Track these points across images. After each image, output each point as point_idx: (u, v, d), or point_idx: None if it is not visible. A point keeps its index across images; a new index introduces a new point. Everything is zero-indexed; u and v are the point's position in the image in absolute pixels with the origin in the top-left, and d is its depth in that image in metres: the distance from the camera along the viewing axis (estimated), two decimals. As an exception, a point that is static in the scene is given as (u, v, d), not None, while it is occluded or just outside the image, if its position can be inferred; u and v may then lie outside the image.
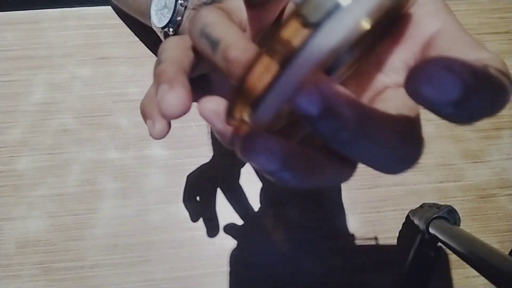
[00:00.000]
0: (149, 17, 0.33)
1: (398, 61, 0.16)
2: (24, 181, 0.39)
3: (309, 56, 0.10)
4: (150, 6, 0.32)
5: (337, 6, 0.10)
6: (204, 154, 0.40)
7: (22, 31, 0.42)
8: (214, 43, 0.14)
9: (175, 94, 0.14)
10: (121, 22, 0.43)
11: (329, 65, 0.12)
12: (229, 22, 0.15)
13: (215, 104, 0.13)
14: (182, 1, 0.29)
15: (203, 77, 0.20)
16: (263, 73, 0.11)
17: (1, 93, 0.41)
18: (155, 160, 0.40)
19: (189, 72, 0.16)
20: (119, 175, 0.40)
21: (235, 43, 0.14)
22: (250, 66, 0.11)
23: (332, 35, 0.10)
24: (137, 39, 0.43)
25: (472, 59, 0.12)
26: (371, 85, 0.17)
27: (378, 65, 0.17)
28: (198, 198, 0.40)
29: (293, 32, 0.10)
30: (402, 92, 0.15)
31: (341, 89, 0.11)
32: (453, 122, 0.10)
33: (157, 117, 0.16)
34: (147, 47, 0.43)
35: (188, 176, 0.40)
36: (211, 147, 0.41)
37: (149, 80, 0.42)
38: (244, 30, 0.19)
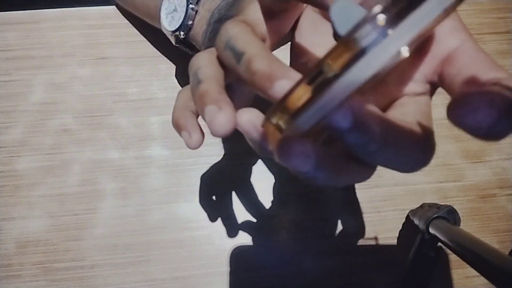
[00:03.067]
0: (159, 20, 0.33)
1: (418, 74, 0.17)
2: (24, 181, 0.39)
3: (351, 80, 0.11)
4: (159, 9, 0.33)
5: (382, 35, 0.10)
6: (205, 154, 0.41)
7: (22, 31, 0.42)
8: (238, 55, 0.15)
9: (225, 115, 0.15)
10: (121, 22, 0.43)
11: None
12: (252, 35, 0.16)
13: (252, 115, 0.15)
14: (193, 5, 0.29)
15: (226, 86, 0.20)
16: (307, 89, 0.12)
17: (1, 93, 0.41)
18: (155, 160, 0.40)
19: (225, 88, 0.17)
20: (119, 175, 0.40)
21: (258, 55, 0.15)
22: (298, 81, 0.12)
23: (375, 62, 0.11)
24: (137, 39, 0.43)
25: (491, 78, 0.14)
26: (389, 94, 0.18)
27: (399, 77, 0.18)
28: (214, 197, 0.40)
29: (339, 56, 0.11)
30: (418, 100, 0.17)
31: (371, 107, 0.13)
32: (482, 140, 0.11)
33: (193, 129, 0.17)
34: (154, 46, 0.43)
35: (202, 176, 0.40)
36: (215, 146, 0.41)
37: (149, 80, 0.42)
38: (264, 40, 0.19)
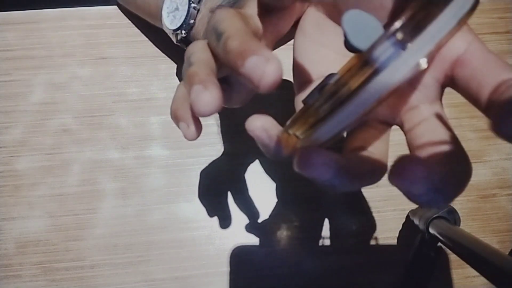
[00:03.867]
0: (160, 19, 0.33)
1: (429, 78, 0.18)
2: (24, 181, 0.39)
3: (372, 93, 0.11)
4: (161, 8, 0.33)
5: (401, 49, 0.11)
6: (205, 154, 0.41)
7: (22, 31, 0.42)
8: (219, 36, 0.15)
9: (209, 94, 0.15)
10: (121, 22, 0.43)
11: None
12: (236, 19, 0.16)
13: (264, 122, 0.15)
14: (195, 4, 0.29)
15: (224, 80, 0.21)
16: (327, 101, 0.12)
17: (1, 93, 0.41)
18: (155, 160, 0.40)
19: (216, 73, 0.17)
20: (119, 175, 0.40)
21: (234, 35, 0.15)
22: (321, 93, 0.12)
23: (395, 75, 0.11)
24: (137, 39, 0.43)
25: (505, 79, 0.14)
26: (404, 101, 0.18)
27: (412, 83, 0.18)
28: (214, 197, 0.40)
29: (360, 71, 0.11)
30: (435, 109, 0.17)
31: (443, 168, 0.13)
32: None
33: (190, 119, 0.17)
34: (154, 46, 0.43)
35: (202, 176, 0.40)
36: (215, 146, 0.41)
37: (149, 80, 0.42)
38: (259, 35, 0.20)
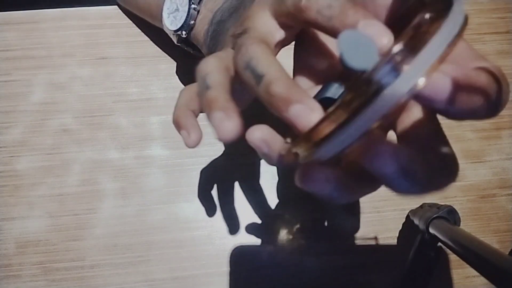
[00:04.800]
0: (160, 20, 0.33)
1: None
2: (24, 181, 0.39)
3: (372, 114, 0.12)
4: (161, 9, 0.33)
5: (399, 71, 0.11)
6: (204, 154, 0.41)
7: (22, 31, 0.42)
8: (258, 77, 0.16)
9: (232, 122, 0.15)
10: (121, 22, 0.43)
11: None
12: (272, 57, 0.17)
13: (262, 133, 0.15)
14: (195, 5, 0.29)
15: None
16: (329, 124, 0.13)
17: (1, 93, 0.41)
18: (155, 160, 0.40)
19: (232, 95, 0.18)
20: (119, 175, 0.40)
21: (277, 79, 0.15)
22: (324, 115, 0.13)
23: (394, 96, 0.12)
24: (137, 39, 0.43)
25: (475, 66, 0.15)
26: (403, 109, 0.19)
27: None
28: (214, 197, 0.40)
29: (361, 92, 0.12)
30: (427, 111, 0.17)
31: (416, 153, 0.13)
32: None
33: (192, 128, 0.18)
34: (155, 46, 0.43)
35: (202, 176, 0.40)
36: (215, 146, 0.41)
37: (149, 80, 0.42)
38: (276, 50, 0.20)
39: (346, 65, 0.14)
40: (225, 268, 0.38)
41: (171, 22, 0.32)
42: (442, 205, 0.36)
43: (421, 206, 0.39)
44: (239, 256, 0.39)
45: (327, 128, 0.13)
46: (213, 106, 0.16)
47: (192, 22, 0.30)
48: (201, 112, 0.19)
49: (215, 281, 0.38)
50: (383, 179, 0.13)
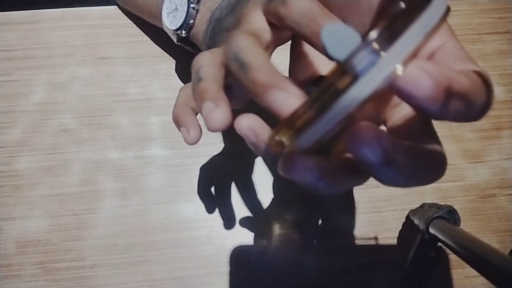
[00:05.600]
0: (160, 19, 0.33)
1: None
2: (24, 181, 0.39)
3: (350, 100, 0.12)
4: (161, 8, 0.33)
5: (376, 56, 0.11)
6: (204, 154, 0.41)
7: (22, 31, 0.42)
8: (243, 66, 0.16)
9: (221, 112, 0.16)
10: (121, 22, 0.43)
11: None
12: (259, 49, 0.17)
13: (250, 121, 0.16)
14: (194, 5, 0.30)
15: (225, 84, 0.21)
16: (310, 110, 0.13)
17: (1, 93, 0.41)
18: (155, 160, 0.40)
19: (224, 87, 0.19)
20: (119, 175, 0.40)
21: (259, 67, 0.16)
22: (304, 101, 0.13)
23: (372, 83, 0.12)
24: (137, 39, 0.43)
25: (464, 69, 0.15)
26: (388, 99, 0.19)
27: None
28: (214, 197, 0.40)
29: (339, 79, 0.12)
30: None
31: (400, 141, 0.13)
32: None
33: (191, 125, 0.19)
34: (154, 46, 0.43)
35: (202, 176, 0.40)
36: (215, 146, 0.41)
37: (149, 80, 0.42)
38: (268, 47, 0.20)
39: (330, 56, 0.14)
40: (225, 268, 0.38)
41: (170, 21, 0.32)
42: (442, 205, 0.36)
43: (421, 206, 0.39)
44: (239, 256, 0.39)
45: (307, 115, 0.13)
46: (203, 96, 0.17)
47: (191, 21, 0.30)
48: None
49: (215, 281, 0.38)
50: (368, 168, 0.13)
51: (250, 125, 0.15)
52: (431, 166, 0.14)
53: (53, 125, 0.40)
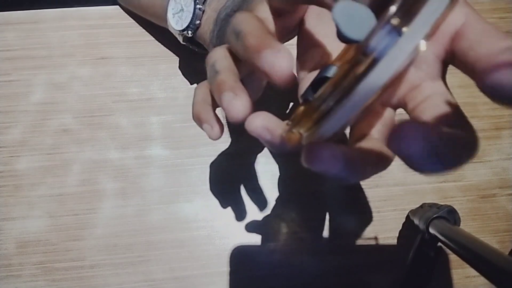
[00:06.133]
0: (165, 19, 0.33)
1: (430, 56, 0.17)
2: (24, 181, 0.39)
3: (373, 82, 0.11)
4: (166, 9, 0.33)
5: (397, 34, 0.10)
6: (204, 154, 0.41)
7: (22, 31, 0.42)
8: (237, 34, 0.17)
9: (241, 101, 0.16)
10: (121, 22, 0.43)
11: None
12: (253, 19, 0.17)
13: (262, 119, 0.15)
14: (200, 6, 0.30)
15: None
16: (329, 96, 0.12)
17: (1, 93, 0.41)
18: (155, 160, 0.40)
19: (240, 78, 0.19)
20: (119, 175, 0.40)
21: (251, 32, 0.16)
22: (321, 91, 0.12)
23: (395, 62, 0.11)
24: (137, 39, 0.43)
25: (503, 47, 0.14)
26: (406, 79, 0.18)
27: (414, 62, 0.18)
28: (214, 197, 0.40)
29: (358, 61, 0.11)
30: (438, 86, 0.17)
31: (442, 132, 0.13)
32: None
33: (213, 121, 0.19)
34: (154, 46, 0.43)
35: (201, 173, 0.40)
36: (215, 146, 0.41)
37: (149, 80, 0.42)
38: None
39: (344, 36, 0.13)
40: (225, 268, 0.38)
41: (176, 22, 0.32)
42: (442, 205, 0.36)
43: (421, 206, 0.39)
44: (239, 256, 0.39)
45: (326, 104, 0.12)
46: (222, 88, 0.17)
47: (197, 22, 0.31)
48: (218, 106, 0.20)
49: (215, 281, 0.38)
50: (407, 159, 0.12)
51: (262, 123, 0.15)
52: (468, 148, 0.13)
53: (53, 125, 0.40)
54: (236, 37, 0.17)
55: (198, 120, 0.20)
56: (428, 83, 0.17)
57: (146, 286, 0.38)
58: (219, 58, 0.19)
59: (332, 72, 0.17)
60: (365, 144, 0.17)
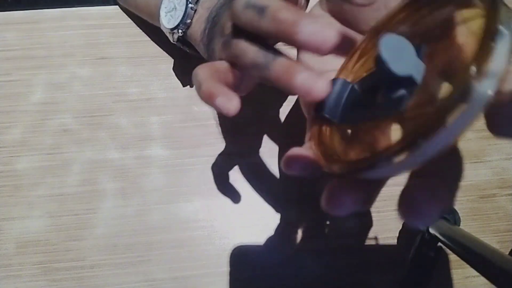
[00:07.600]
0: (158, 18, 0.33)
1: None
2: (24, 181, 0.39)
3: (437, 144, 0.12)
4: (159, 8, 0.33)
5: (471, 92, 0.11)
6: (204, 154, 0.40)
7: (22, 31, 0.42)
8: (261, 10, 0.16)
9: (235, 101, 0.17)
10: (121, 22, 0.43)
11: None
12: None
13: (298, 161, 0.17)
14: (193, 5, 0.30)
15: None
16: (396, 150, 0.12)
17: (1, 93, 0.41)
18: (155, 160, 0.40)
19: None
20: (119, 175, 0.40)
21: (283, 6, 0.16)
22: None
23: (462, 126, 0.11)
24: (137, 39, 0.43)
25: None
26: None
27: None
28: (214, 197, 0.40)
29: (431, 121, 0.11)
30: None
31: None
32: None
33: (229, 93, 0.18)
34: (154, 46, 0.43)
35: (201, 173, 0.40)
36: (214, 146, 0.41)
37: (149, 80, 0.42)
38: None
39: (390, 71, 0.13)
40: (225, 268, 0.38)
41: (168, 20, 0.32)
42: (442, 205, 0.36)
43: (421, 206, 0.39)
44: (239, 256, 0.39)
45: (391, 151, 0.12)
46: (214, 95, 0.18)
47: (188, 21, 0.30)
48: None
49: (215, 281, 0.38)
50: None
51: (301, 166, 0.16)
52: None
53: (53, 125, 0.40)
54: (259, 12, 0.17)
55: (210, 96, 0.18)
56: None
57: (146, 286, 0.38)
58: (199, 73, 0.19)
59: (340, 89, 0.17)
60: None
